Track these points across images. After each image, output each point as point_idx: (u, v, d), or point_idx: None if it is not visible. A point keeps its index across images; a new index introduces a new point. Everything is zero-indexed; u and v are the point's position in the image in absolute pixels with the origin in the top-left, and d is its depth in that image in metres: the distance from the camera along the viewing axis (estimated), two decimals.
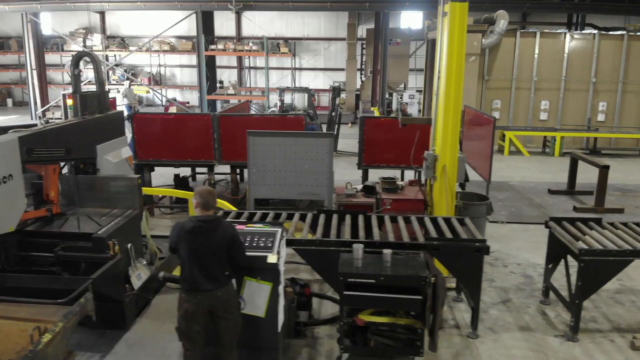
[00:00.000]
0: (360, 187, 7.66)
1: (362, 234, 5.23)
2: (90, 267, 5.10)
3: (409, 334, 4.79)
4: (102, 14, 26.52)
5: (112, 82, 25.73)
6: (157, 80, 26.45)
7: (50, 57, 25.16)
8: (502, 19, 15.38)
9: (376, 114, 17.51)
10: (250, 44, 23.72)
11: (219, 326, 4.14)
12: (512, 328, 5.54)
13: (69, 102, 6.02)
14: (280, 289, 4.52)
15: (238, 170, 9.49)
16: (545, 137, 15.85)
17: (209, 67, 21.38)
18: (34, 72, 21.90)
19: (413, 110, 20.41)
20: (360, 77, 22.97)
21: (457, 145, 6.47)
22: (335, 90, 14.79)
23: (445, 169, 6.44)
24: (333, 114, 14.33)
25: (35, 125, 7.53)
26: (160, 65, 26.98)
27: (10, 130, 5.20)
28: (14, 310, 4.63)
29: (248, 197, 7.35)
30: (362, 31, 24.78)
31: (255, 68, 27.15)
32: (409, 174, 9.41)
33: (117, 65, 26.39)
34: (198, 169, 10.70)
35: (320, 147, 7.03)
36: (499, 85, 16.37)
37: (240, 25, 26.43)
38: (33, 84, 21.94)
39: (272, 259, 4.38)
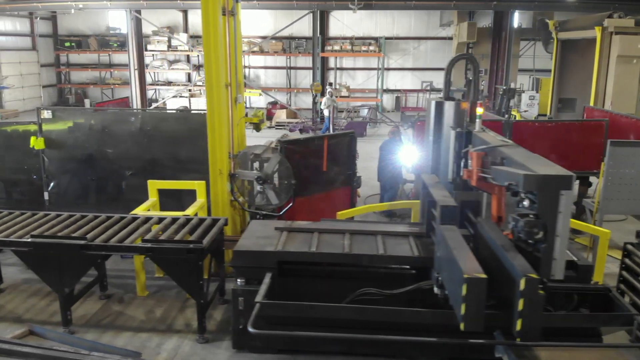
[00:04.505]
0: None
1: None
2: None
3: None
4: (184, 12, 25.83)
5: (198, 83, 25.06)
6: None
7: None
8: None
9: (517, 117, 16.88)
10: (346, 44, 23.32)
11: None
12: None
13: (480, 110, 5.32)
14: None
15: None
16: None
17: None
18: (136, 72, 21.18)
19: (534, 112, 19.80)
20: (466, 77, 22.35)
21: None
22: (510, 92, 14.09)
23: None
24: (506, 116, 13.65)
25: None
26: (245, 67, 26.27)
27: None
28: (563, 355, 4.01)
29: (595, 212, 6.71)
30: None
31: (342, 69, 26.48)
32: None
33: (201, 66, 25.80)
34: None
35: None
36: None
37: (327, 25, 25.75)
38: (135, 84, 21.21)
39: None
